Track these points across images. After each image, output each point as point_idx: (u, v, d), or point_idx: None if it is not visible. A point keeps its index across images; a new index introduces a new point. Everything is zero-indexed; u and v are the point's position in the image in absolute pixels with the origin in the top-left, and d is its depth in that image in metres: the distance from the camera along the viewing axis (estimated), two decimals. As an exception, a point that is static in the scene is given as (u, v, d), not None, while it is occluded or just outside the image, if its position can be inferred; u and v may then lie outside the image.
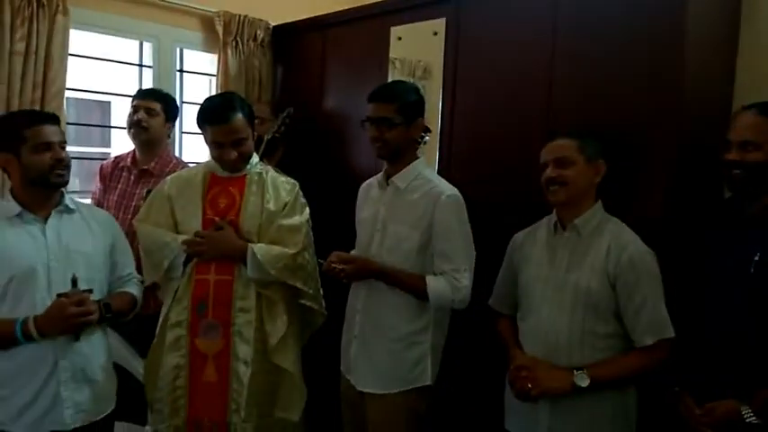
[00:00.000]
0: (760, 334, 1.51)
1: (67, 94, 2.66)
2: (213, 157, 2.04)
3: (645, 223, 1.73)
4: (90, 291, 1.70)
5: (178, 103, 2.77)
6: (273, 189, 2.06)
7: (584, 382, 1.60)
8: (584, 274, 1.67)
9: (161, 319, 2.01)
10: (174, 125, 2.66)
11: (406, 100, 1.90)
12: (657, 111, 1.80)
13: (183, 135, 3.19)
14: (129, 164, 2.59)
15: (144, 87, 2.93)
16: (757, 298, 1.53)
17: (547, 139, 1.79)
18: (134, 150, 2.61)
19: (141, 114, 2.52)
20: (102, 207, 2.53)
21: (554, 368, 1.65)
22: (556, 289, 1.71)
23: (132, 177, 2.56)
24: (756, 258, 1.54)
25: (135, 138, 2.56)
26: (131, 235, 2.13)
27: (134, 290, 1.93)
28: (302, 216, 2.07)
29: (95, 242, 1.81)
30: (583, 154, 1.71)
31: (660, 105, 1.79)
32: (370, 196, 2.06)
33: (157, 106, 2.55)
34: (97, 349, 1.78)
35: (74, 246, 1.74)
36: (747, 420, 1.47)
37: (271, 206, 2.03)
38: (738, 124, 1.62)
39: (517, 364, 1.71)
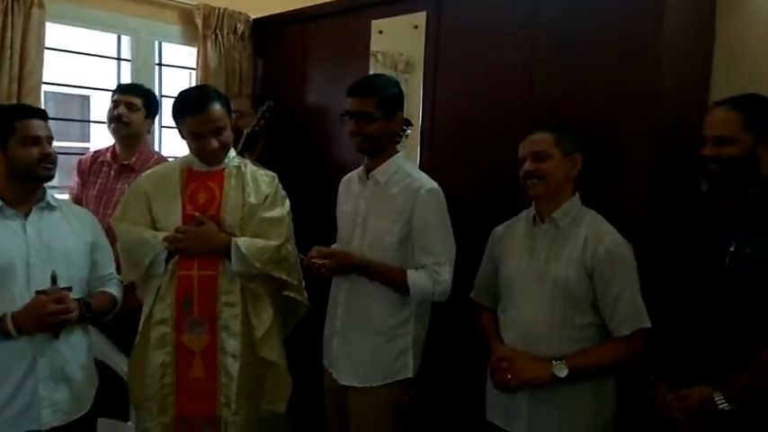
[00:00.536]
0: (736, 323, 1.54)
1: (46, 88, 2.62)
2: (192, 149, 2.03)
3: (622, 216, 1.76)
4: (69, 288, 1.70)
5: (157, 97, 2.74)
6: (253, 182, 2.06)
7: (562, 372, 1.63)
8: (563, 265, 1.70)
9: (144, 317, 1.99)
10: (153, 121, 2.64)
11: (386, 94, 1.90)
12: (635, 104, 1.82)
13: (163, 129, 3.16)
14: (109, 159, 2.57)
15: (123, 82, 2.90)
16: (732, 288, 1.55)
17: (528, 133, 1.80)
18: (114, 145, 2.58)
19: (122, 109, 2.50)
20: (80, 202, 2.53)
21: (533, 359, 1.68)
22: (535, 281, 1.74)
23: (112, 173, 2.54)
24: (731, 249, 1.56)
25: (115, 132, 2.54)
26: (111, 232, 2.12)
27: (114, 290, 1.93)
28: (283, 208, 2.08)
29: (76, 240, 1.80)
30: (559, 147, 1.73)
31: (637, 98, 1.81)
32: (351, 190, 2.07)
33: (138, 101, 2.53)
34: (76, 348, 1.77)
35: (55, 243, 1.73)
36: (720, 406, 1.50)
37: (252, 199, 2.02)
38: (712, 120, 1.64)
39: (497, 355, 1.74)
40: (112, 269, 1.96)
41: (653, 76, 1.78)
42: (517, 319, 1.76)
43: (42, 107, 2.32)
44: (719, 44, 1.96)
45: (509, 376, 1.67)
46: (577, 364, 1.64)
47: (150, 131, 2.67)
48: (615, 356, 1.67)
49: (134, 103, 2.52)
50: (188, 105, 1.96)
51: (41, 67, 2.52)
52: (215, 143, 1.96)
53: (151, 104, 2.59)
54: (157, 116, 2.70)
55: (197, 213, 1.99)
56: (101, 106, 2.65)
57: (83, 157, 2.67)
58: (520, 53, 2.10)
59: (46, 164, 1.70)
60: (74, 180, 2.64)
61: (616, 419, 1.74)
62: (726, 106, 1.62)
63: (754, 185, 1.59)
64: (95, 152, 2.66)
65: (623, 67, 1.84)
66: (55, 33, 2.65)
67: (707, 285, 1.61)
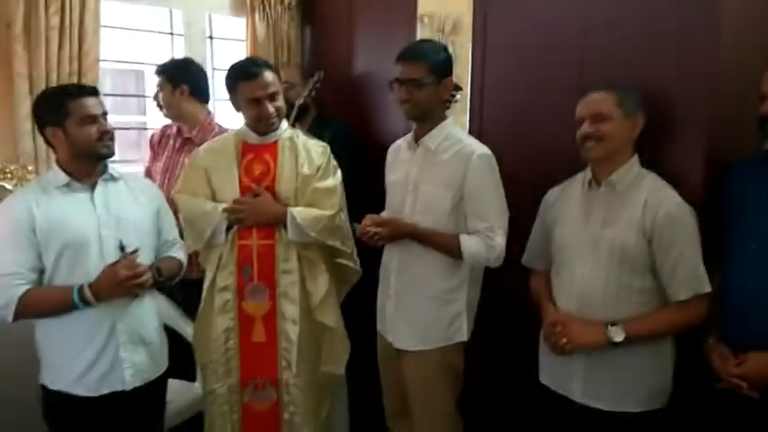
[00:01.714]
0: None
1: (103, 65, 2.71)
2: (248, 117, 2.06)
3: (683, 178, 1.71)
4: (136, 250, 1.75)
5: (209, 70, 2.79)
6: (306, 153, 2.09)
7: (618, 336, 1.62)
8: (620, 230, 1.67)
9: (207, 284, 2.09)
10: (188, 85, 2.60)
11: (435, 59, 1.89)
12: (693, 63, 1.74)
13: (217, 102, 3.22)
14: (174, 132, 2.67)
15: (176, 56, 2.95)
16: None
17: (581, 94, 1.75)
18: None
19: (157, 93, 2.61)
20: (150, 175, 2.66)
21: (588, 323, 1.67)
22: (590, 245, 1.72)
23: (177, 145, 2.64)
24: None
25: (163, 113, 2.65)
26: (173, 203, 2.20)
27: (180, 254, 2.00)
28: (336, 178, 2.11)
29: (142, 209, 1.87)
30: (621, 108, 1.68)
31: (695, 56, 1.74)
32: (400, 158, 2.07)
33: (162, 79, 2.60)
34: (149, 313, 1.86)
35: (122, 213, 1.79)
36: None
37: (305, 170, 2.06)
38: None
39: (551, 319, 1.74)
40: (176, 234, 2.03)
41: (712, 35, 1.71)
42: (571, 283, 1.75)
43: (100, 83, 2.40)
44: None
45: (564, 340, 1.68)
46: (634, 329, 1.63)
47: (187, 99, 2.62)
48: (674, 322, 1.65)
49: (160, 83, 2.61)
50: (241, 72, 2.01)
51: (98, 44, 2.60)
52: (271, 108, 2.00)
53: (174, 74, 2.58)
54: (211, 88, 2.74)
55: (253, 185, 2.05)
56: (155, 81, 2.71)
57: (154, 131, 2.78)
58: (573, 11, 2.03)
59: (105, 141, 1.76)
60: (146, 154, 2.76)
61: (674, 384, 1.72)
62: None
63: None
64: (165, 126, 2.75)
65: (681, 24, 1.76)
66: (109, 11, 2.72)
67: (766, 247, 1.55)
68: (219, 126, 2.66)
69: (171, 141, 2.67)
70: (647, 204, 1.65)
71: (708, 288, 1.62)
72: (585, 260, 1.72)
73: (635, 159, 1.73)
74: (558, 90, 2.06)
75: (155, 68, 2.65)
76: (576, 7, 2.03)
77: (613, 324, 1.63)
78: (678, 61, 1.77)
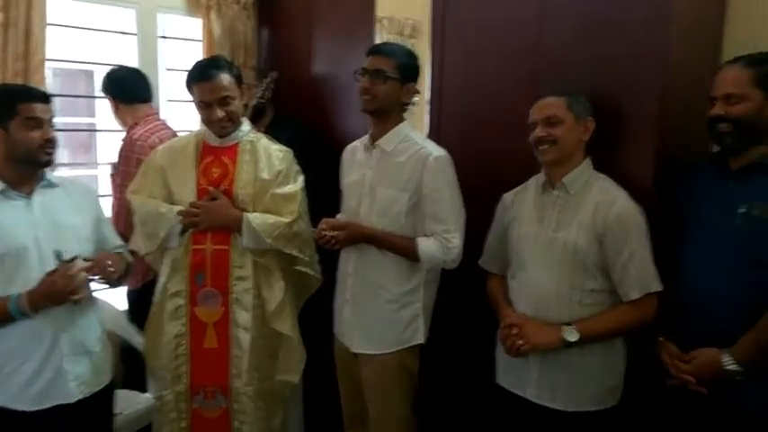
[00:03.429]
0: (745, 284, 1.54)
1: (50, 64, 2.61)
2: (202, 119, 2.04)
3: (633, 180, 1.75)
4: (74, 258, 1.69)
5: (162, 71, 2.73)
6: (267, 157, 2.06)
7: (573, 336, 1.64)
8: (573, 231, 1.69)
9: (159, 289, 2.04)
10: (115, 96, 2.58)
11: (405, 61, 1.92)
12: (645, 68, 1.78)
13: (169, 103, 3.15)
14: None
15: (127, 56, 2.88)
16: (742, 248, 1.55)
17: (536, 99, 1.78)
18: None
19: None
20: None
21: (543, 324, 1.69)
22: (545, 247, 1.74)
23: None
24: (742, 210, 1.55)
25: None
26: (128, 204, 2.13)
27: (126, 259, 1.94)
28: (296, 184, 2.08)
29: (81, 215, 1.81)
30: (571, 112, 1.72)
31: (647, 62, 1.77)
32: (356, 160, 2.06)
33: (107, 95, 2.56)
34: (92, 321, 1.80)
35: (62, 220, 1.74)
36: (727, 368, 1.51)
37: (265, 175, 2.03)
38: (722, 78, 1.62)
39: (508, 321, 1.75)
40: (119, 241, 1.98)
41: (662, 39, 1.74)
42: (527, 285, 1.77)
43: (48, 84, 2.32)
44: (731, 10, 1.91)
45: (520, 342, 1.69)
46: (588, 328, 1.65)
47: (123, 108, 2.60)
48: (626, 320, 1.67)
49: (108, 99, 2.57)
50: (195, 73, 1.98)
51: (44, 43, 2.51)
52: (220, 113, 1.97)
53: (110, 84, 2.57)
54: (162, 90, 2.69)
55: (211, 188, 2.00)
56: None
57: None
58: (529, 17, 2.06)
59: (47, 149, 1.70)
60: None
61: (626, 382, 1.75)
62: (738, 64, 1.60)
63: (762, 145, 1.57)
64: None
65: (632, 29, 1.80)
66: (58, 9, 2.63)
67: (715, 246, 1.60)
68: (165, 124, 2.60)
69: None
70: (599, 206, 1.68)
71: (658, 287, 1.65)
72: (540, 262, 1.74)
73: (587, 162, 1.76)
74: (514, 94, 2.08)
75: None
76: (532, 13, 2.06)
77: (568, 324, 1.65)
78: (629, 66, 1.81)
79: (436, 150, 1.91)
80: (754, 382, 1.51)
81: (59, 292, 1.63)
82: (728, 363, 1.51)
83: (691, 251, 1.67)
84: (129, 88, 2.57)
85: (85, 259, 1.70)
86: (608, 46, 1.86)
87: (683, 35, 1.79)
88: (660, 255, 1.68)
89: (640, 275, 1.65)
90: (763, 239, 1.52)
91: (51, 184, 1.77)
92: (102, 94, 2.57)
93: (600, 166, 1.77)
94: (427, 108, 2.40)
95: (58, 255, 1.66)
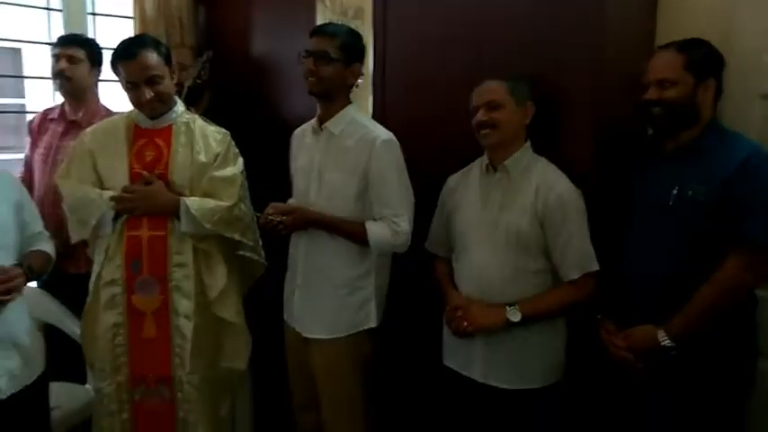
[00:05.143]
0: (678, 262, 1.60)
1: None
2: (131, 101, 1.95)
3: (571, 163, 1.78)
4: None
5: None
6: (203, 139, 1.99)
7: (515, 317, 1.68)
8: (515, 213, 1.72)
9: (93, 278, 1.95)
10: (100, 70, 2.51)
11: (348, 41, 1.90)
12: (579, 55, 1.81)
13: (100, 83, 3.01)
14: (56, 116, 2.47)
15: (54, 33, 2.72)
16: (675, 228, 1.61)
17: (479, 81, 1.79)
18: (63, 102, 2.48)
19: (63, 63, 2.38)
20: (30, 163, 2.46)
21: (487, 306, 1.72)
22: (488, 229, 1.76)
23: (60, 130, 2.44)
24: (674, 192, 1.61)
25: (60, 88, 2.43)
26: (56, 190, 2.04)
27: (47, 247, 1.87)
28: (236, 167, 2.02)
29: (2, 204, 1.72)
30: (512, 96, 1.73)
31: (581, 48, 1.80)
32: (304, 143, 2.03)
33: (80, 53, 2.41)
34: (19, 314, 1.72)
35: None
36: (663, 344, 1.57)
37: (201, 157, 1.96)
38: (655, 63, 1.66)
39: (453, 304, 1.78)
40: (41, 226, 1.89)
41: (597, 23, 1.77)
42: (471, 267, 1.79)
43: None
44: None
45: (465, 323, 1.71)
46: (530, 308, 1.69)
47: (97, 83, 2.54)
48: (566, 300, 1.72)
49: (75, 55, 2.40)
50: (120, 52, 1.89)
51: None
52: (149, 93, 1.89)
53: (95, 54, 2.46)
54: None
55: (144, 172, 1.92)
56: (33, 60, 2.48)
57: (34, 116, 2.55)
58: (470, 2, 2.06)
59: None
60: (26, 141, 2.54)
61: (567, 360, 1.80)
62: (669, 49, 1.65)
63: (694, 128, 1.62)
64: (45, 110, 2.55)
65: (568, 14, 1.82)
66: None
67: (650, 227, 1.66)
68: (107, 108, 2.50)
69: (52, 126, 2.47)
70: (539, 188, 1.71)
71: (595, 267, 1.70)
72: (484, 244, 1.76)
73: (527, 145, 1.79)
74: (457, 77, 2.08)
75: (60, 38, 2.45)
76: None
77: (510, 305, 1.69)
78: (569, 50, 1.83)
79: (384, 134, 1.90)
80: (687, 357, 1.57)
81: None
82: (663, 338, 1.57)
83: (628, 232, 1.72)
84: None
85: None
86: (547, 32, 1.87)
87: (618, 18, 1.82)
88: (598, 236, 1.72)
89: (579, 256, 1.69)
90: (695, 219, 1.58)
91: None
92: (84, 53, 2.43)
93: (539, 150, 1.80)
94: (371, 90, 2.37)
95: None
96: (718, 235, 1.56)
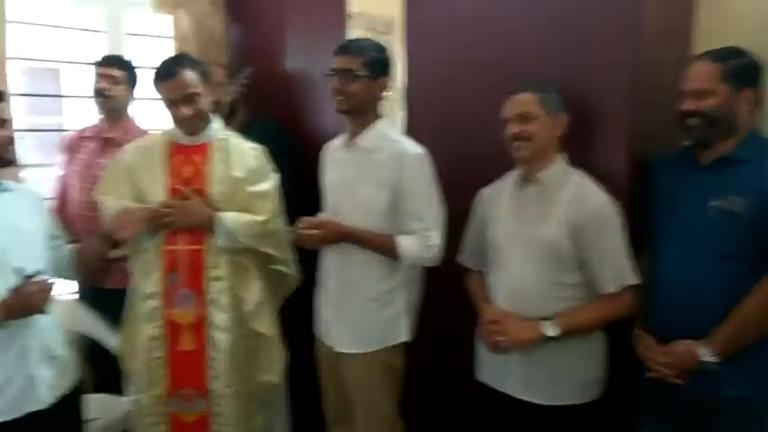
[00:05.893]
0: (717, 276, 1.57)
1: (16, 63, 2.54)
2: (171, 118, 2.00)
3: (606, 175, 1.76)
4: (36, 273, 1.65)
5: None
6: (239, 155, 2.03)
7: (552, 331, 1.65)
8: (550, 226, 1.70)
9: (132, 291, 2.00)
10: (135, 90, 2.60)
11: (372, 56, 1.90)
12: (614, 64, 1.80)
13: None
14: (91, 134, 2.55)
15: (95, 53, 2.81)
16: (713, 241, 1.58)
17: (509, 93, 1.78)
18: (99, 120, 2.57)
19: (103, 83, 2.48)
20: (65, 181, 2.54)
21: (523, 320, 1.70)
22: (522, 243, 1.74)
23: (96, 147, 2.51)
24: (713, 204, 1.58)
25: (100, 107, 2.53)
26: (95, 206, 2.09)
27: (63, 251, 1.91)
28: (270, 182, 2.05)
29: (38, 219, 1.78)
30: (544, 108, 1.72)
31: (617, 59, 1.79)
32: (335, 158, 2.05)
33: (119, 74, 2.51)
34: (54, 324, 1.77)
35: (20, 224, 1.69)
36: (703, 359, 1.54)
37: (237, 173, 2.00)
38: (691, 73, 1.64)
39: (487, 318, 1.75)
40: (63, 239, 1.94)
41: (635, 34, 1.76)
42: (505, 280, 1.77)
43: (10, 83, 2.25)
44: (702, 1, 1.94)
45: (500, 338, 1.69)
46: (567, 323, 1.66)
47: (133, 103, 2.63)
48: (603, 314, 1.69)
49: (114, 75, 2.50)
50: (159, 71, 1.95)
51: (4, 40, 2.43)
52: (186, 111, 1.93)
53: (133, 75, 2.57)
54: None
55: (182, 188, 1.97)
56: (73, 80, 2.57)
57: (69, 133, 2.64)
58: (500, 11, 2.06)
59: (10, 145, 1.66)
60: (60, 158, 2.62)
61: (607, 375, 1.77)
62: (705, 58, 1.62)
63: (731, 138, 1.60)
64: (80, 129, 2.63)
65: (605, 24, 1.81)
66: (24, 6, 2.56)
67: (688, 239, 1.63)
68: (141, 128, 2.58)
69: (89, 143, 2.54)
70: (574, 201, 1.69)
71: (634, 280, 1.67)
72: (518, 258, 1.75)
73: (561, 157, 1.77)
74: (488, 89, 2.07)
75: (102, 58, 2.56)
76: (503, 7, 2.06)
77: (547, 319, 1.66)
78: (602, 61, 1.82)
79: (414, 148, 1.90)
80: (730, 372, 1.54)
81: (35, 306, 1.61)
82: (706, 355, 1.54)
83: (664, 244, 1.69)
84: None
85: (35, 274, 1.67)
86: (581, 41, 1.87)
87: (654, 29, 1.81)
88: (635, 248, 1.69)
89: (616, 270, 1.66)
90: (734, 231, 1.55)
91: (6, 189, 1.72)
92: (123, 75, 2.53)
93: (573, 161, 1.78)
94: (402, 104, 2.39)
95: (19, 272, 1.61)
96: (758, 246, 1.52)
